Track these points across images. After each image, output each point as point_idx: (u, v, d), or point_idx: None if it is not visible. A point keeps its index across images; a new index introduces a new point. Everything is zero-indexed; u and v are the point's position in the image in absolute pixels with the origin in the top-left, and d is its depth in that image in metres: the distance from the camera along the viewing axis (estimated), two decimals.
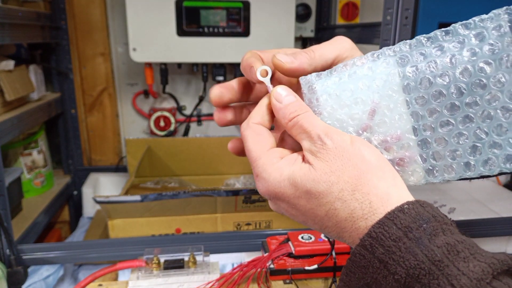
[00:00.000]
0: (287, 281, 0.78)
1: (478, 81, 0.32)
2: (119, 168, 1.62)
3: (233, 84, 0.41)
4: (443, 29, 0.33)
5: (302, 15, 1.58)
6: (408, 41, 0.34)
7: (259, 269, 0.77)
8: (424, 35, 0.34)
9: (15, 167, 1.28)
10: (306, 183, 0.33)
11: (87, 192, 1.48)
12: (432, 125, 0.34)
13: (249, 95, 0.42)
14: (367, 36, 1.16)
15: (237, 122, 0.42)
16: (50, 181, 1.42)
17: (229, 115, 0.42)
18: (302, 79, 0.37)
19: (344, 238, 0.34)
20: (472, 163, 0.33)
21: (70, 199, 1.54)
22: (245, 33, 1.40)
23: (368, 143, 0.34)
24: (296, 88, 0.38)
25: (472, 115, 0.33)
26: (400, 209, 0.30)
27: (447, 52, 0.33)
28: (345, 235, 0.33)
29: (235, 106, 0.43)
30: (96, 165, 1.65)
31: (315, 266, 0.77)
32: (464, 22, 0.33)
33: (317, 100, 0.36)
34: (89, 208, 1.47)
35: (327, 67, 0.38)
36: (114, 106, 1.62)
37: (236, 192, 1.10)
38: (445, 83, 0.33)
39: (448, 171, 0.34)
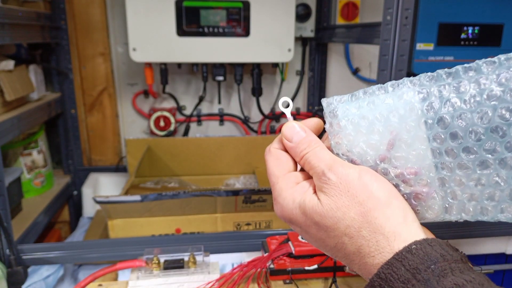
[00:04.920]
0: (287, 281, 0.78)
1: (497, 128, 0.30)
2: (119, 168, 1.62)
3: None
4: (465, 65, 0.31)
5: (302, 15, 1.58)
6: (429, 73, 0.33)
7: (259, 269, 0.77)
8: (445, 69, 0.32)
9: (15, 167, 1.28)
10: (314, 216, 0.34)
11: (87, 192, 1.48)
12: (450, 165, 0.33)
13: None
14: (367, 36, 1.16)
15: None
16: (50, 181, 1.42)
17: None
18: (324, 101, 0.38)
19: (354, 269, 0.35)
20: (489, 208, 0.32)
21: (70, 199, 1.54)
22: (245, 33, 1.40)
23: (378, 176, 0.34)
24: None
25: (490, 161, 0.31)
26: (408, 249, 0.30)
27: (466, 92, 0.31)
28: (355, 267, 0.34)
29: None
30: (96, 165, 1.65)
31: (315, 266, 0.77)
32: (488, 59, 0.30)
33: (338, 125, 0.36)
34: (89, 208, 1.47)
35: None
36: (114, 106, 1.62)
37: (236, 192, 1.10)
38: (462, 126, 0.31)
39: (465, 212, 0.34)
